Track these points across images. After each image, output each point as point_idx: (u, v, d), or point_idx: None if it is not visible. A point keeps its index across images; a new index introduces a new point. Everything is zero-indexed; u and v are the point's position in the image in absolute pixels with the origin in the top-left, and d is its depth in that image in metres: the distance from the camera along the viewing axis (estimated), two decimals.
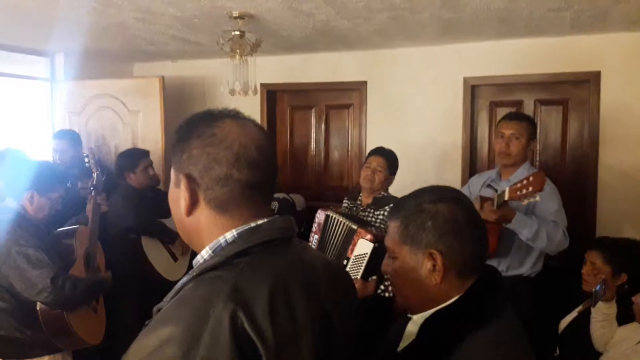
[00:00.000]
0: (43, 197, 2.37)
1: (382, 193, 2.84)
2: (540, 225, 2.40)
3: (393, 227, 1.12)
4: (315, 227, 2.76)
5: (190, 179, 0.94)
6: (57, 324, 2.29)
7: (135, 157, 3.50)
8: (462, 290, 1.07)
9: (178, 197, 0.96)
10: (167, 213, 3.70)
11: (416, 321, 1.11)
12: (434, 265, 1.06)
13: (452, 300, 1.06)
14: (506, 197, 2.30)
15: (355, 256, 2.51)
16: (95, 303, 2.58)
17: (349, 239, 2.55)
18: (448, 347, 0.99)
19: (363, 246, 2.49)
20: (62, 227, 2.65)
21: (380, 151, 2.89)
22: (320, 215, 2.76)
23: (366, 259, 2.46)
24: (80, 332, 2.35)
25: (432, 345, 1.03)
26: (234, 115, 0.99)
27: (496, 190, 2.46)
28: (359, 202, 2.91)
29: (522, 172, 2.60)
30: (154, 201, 3.51)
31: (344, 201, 3.07)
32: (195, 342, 0.79)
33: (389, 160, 2.86)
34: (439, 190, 1.13)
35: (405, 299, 1.13)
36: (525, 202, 2.27)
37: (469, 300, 1.05)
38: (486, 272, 1.11)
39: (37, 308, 2.25)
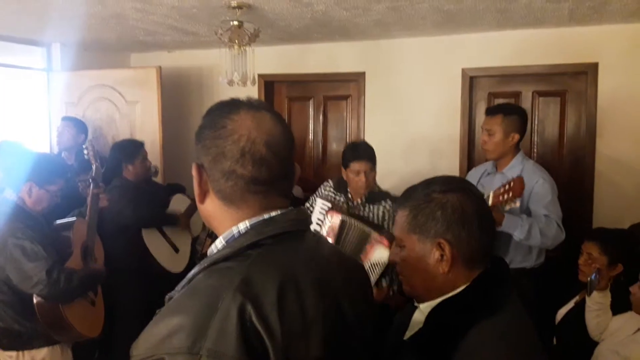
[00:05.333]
0: (41, 190, 2.36)
1: (376, 188, 2.83)
2: (532, 223, 2.40)
3: (401, 216, 1.12)
4: (327, 229, 2.70)
5: (201, 169, 0.95)
6: (53, 317, 2.29)
7: (134, 148, 3.49)
8: (469, 280, 1.08)
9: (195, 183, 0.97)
10: (164, 204, 3.65)
11: (423, 310, 1.11)
12: (442, 255, 1.06)
13: (459, 289, 1.07)
14: (490, 202, 2.25)
15: (371, 263, 2.53)
16: (94, 296, 2.57)
17: (363, 243, 2.57)
18: (454, 336, 1.00)
19: (380, 252, 2.50)
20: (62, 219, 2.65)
21: (362, 154, 2.70)
22: (334, 219, 2.69)
23: (383, 265, 2.49)
24: (77, 325, 2.34)
25: (438, 333, 1.04)
26: (252, 106, 0.96)
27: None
28: (350, 197, 2.81)
29: (516, 163, 2.61)
30: (149, 194, 3.50)
31: (326, 186, 2.93)
32: (202, 333, 0.79)
33: (371, 159, 2.71)
34: (448, 180, 1.14)
35: (413, 287, 1.14)
36: (508, 207, 2.23)
37: (476, 290, 1.06)
38: (493, 263, 1.12)
39: (34, 301, 2.25)
